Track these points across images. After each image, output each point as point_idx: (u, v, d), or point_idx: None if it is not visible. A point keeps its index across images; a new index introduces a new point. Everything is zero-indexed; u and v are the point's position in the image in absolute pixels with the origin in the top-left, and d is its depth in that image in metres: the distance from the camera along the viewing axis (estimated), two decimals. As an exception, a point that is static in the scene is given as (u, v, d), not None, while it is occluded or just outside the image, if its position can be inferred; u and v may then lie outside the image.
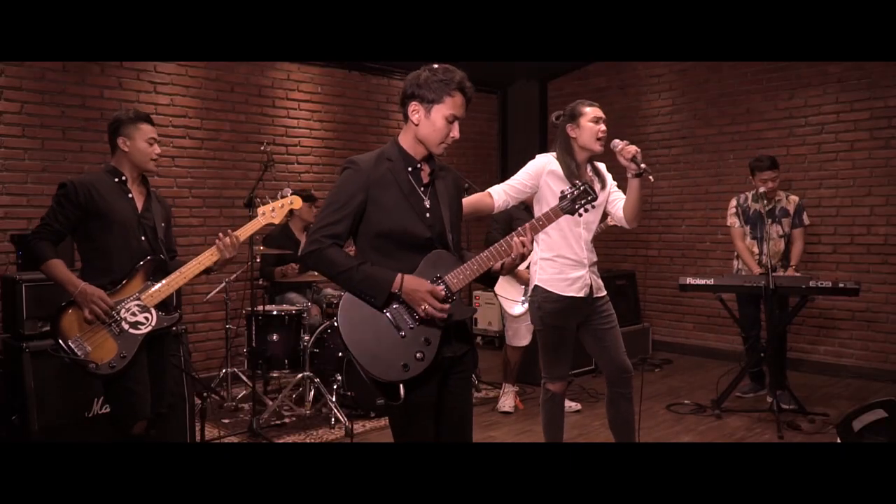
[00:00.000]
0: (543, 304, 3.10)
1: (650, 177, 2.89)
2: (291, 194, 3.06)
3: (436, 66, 2.17)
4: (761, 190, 4.66)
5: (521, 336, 4.71)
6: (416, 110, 2.16)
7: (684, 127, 6.53)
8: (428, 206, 2.21)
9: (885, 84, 5.39)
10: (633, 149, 2.91)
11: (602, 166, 3.18)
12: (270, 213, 2.95)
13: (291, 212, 5.03)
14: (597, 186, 3.07)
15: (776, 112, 5.95)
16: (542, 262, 3.14)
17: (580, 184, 2.28)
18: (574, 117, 3.04)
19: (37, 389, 3.26)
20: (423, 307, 2.09)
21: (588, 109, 3.03)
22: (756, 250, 4.81)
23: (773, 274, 4.38)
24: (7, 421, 3.37)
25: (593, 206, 2.39)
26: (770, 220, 4.72)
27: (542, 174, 3.03)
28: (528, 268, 4.55)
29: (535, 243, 3.14)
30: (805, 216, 4.85)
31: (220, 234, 2.82)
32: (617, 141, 2.97)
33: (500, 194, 3.04)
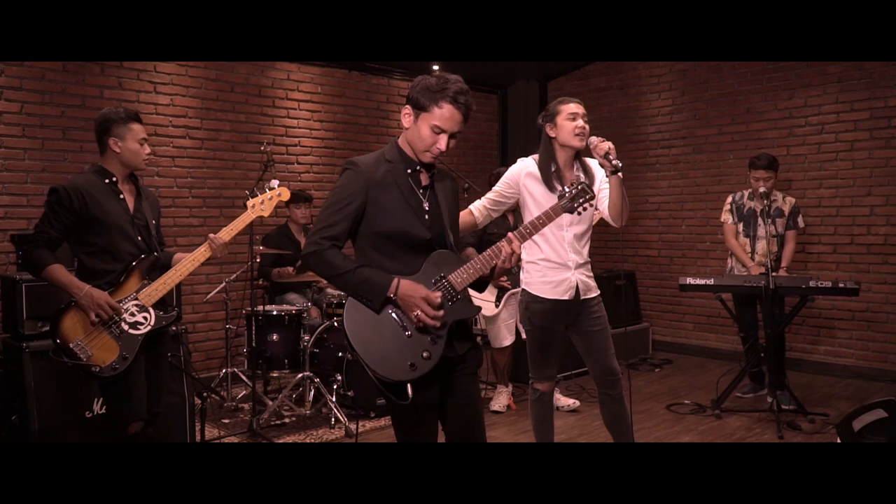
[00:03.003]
0: (530, 304, 3.09)
1: (620, 173, 2.77)
2: (279, 185, 3.08)
3: (438, 73, 2.14)
4: (761, 190, 4.66)
5: (503, 337, 4.73)
6: (407, 114, 2.16)
7: (684, 127, 6.52)
8: (427, 207, 2.20)
9: (885, 84, 5.38)
10: (605, 145, 2.80)
11: (593, 163, 3.07)
12: (260, 205, 2.98)
13: (288, 205, 5.07)
14: None
15: (776, 112, 5.95)
16: (526, 265, 3.12)
17: (578, 182, 2.28)
18: (552, 116, 2.99)
19: (37, 389, 3.26)
20: (415, 313, 2.07)
21: (563, 107, 2.97)
22: (749, 248, 4.81)
23: (773, 274, 4.38)
24: (7, 421, 3.36)
25: (592, 205, 2.38)
26: (763, 220, 4.72)
27: (519, 179, 3.00)
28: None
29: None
30: (801, 219, 4.85)
31: (211, 236, 2.85)
32: (593, 138, 2.89)
33: (481, 209, 3.02)
